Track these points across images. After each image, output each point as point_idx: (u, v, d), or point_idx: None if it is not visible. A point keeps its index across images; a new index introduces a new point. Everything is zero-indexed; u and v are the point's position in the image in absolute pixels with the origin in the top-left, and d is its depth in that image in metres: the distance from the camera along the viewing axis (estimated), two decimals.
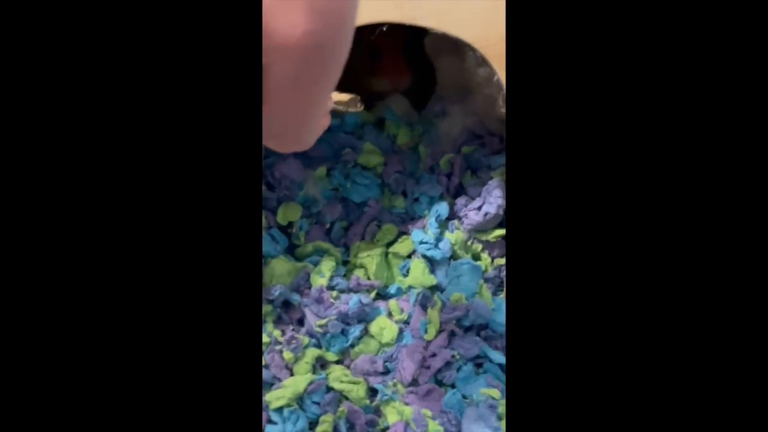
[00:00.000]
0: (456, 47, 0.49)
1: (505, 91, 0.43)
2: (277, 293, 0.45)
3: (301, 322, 0.47)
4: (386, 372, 0.44)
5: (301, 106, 0.27)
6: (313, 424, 0.42)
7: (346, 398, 0.43)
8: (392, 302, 0.47)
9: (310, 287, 0.47)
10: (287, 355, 0.43)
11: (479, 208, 0.48)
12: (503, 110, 0.44)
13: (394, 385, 0.44)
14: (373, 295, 0.47)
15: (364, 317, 0.46)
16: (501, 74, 0.42)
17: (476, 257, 0.49)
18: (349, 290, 0.47)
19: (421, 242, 0.48)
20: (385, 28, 0.53)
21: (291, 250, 0.50)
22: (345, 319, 0.45)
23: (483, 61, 0.43)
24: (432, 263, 0.48)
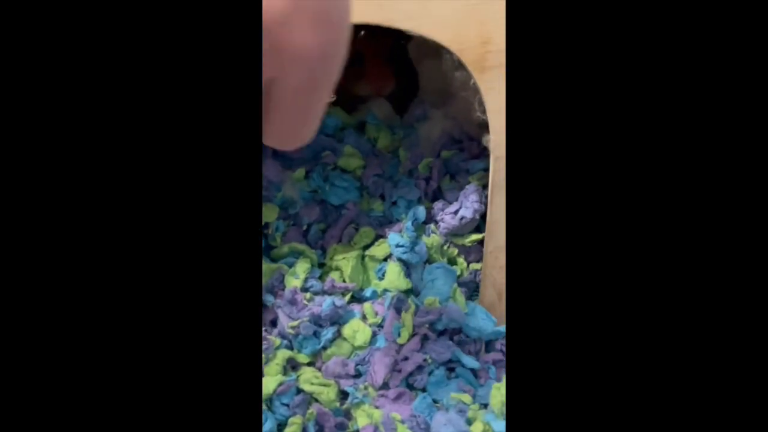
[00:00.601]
0: (437, 51, 0.49)
1: (481, 96, 0.42)
2: None
3: (274, 323, 0.47)
4: (358, 375, 0.44)
5: (311, 110, 0.29)
6: (281, 425, 0.42)
7: (316, 400, 0.43)
8: (367, 305, 0.47)
9: (284, 288, 0.47)
10: None
11: (456, 213, 0.48)
12: (478, 114, 0.44)
13: (365, 388, 0.43)
14: (348, 297, 0.47)
15: (337, 320, 0.45)
16: (477, 78, 0.42)
17: (452, 261, 0.48)
18: (324, 292, 0.47)
19: (398, 245, 0.48)
20: (362, 33, 0.54)
21: (267, 251, 0.50)
22: (318, 321, 0.45)
23: (459, 65, 0.43)
24: (408, 267, 0.48)
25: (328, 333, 0.45)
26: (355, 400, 0.42)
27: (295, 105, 0.28)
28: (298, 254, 0.49)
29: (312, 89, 0.28)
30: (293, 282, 0.47)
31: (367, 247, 0.50)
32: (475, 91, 0.43)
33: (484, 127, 0.45)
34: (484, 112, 0.43)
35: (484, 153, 0.50)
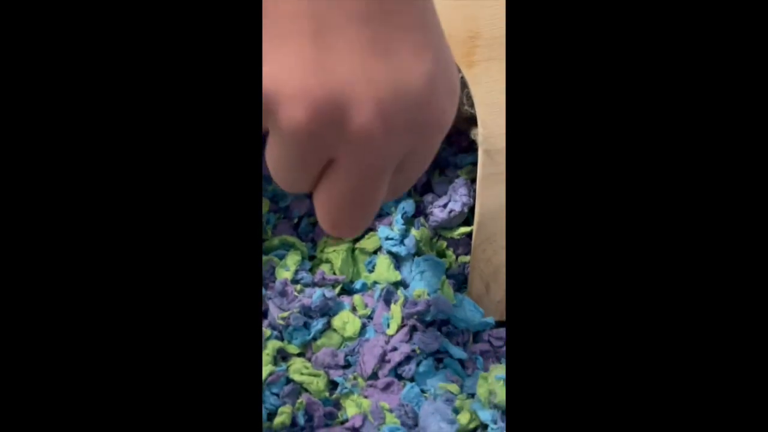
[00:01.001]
0: None
1: (468, 89, 0.43)
2: None
3: (265, 314, 0.47)
4: (347, 365, 0.45)
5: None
6: (271, 415, 0.42)
7: (306, 390, 0.43)
8: (356, 297, 0.47)
9: (275, 280, 0.48)
10: None
11: (445, 206, 0.48)
12: (467, 108, 0.44)
13: (355, 378, 0.44)
14: (338, 289, 0.48)
15: (327, 311, 0.46)
16: (465, 72, 0.42)
17: (441, 254, 0.49)
18: (314, 284, 0.48)
19: (387, 238, 0.48)
20: None
21: None
22: (308, 312, 0.45)
23: None
24: (397, 259, 0.48)
25: (318, 324, 0.45)
26: (345, 390, 0.43)
27: (420, 171, 0.28)
28: (288, 246, 0.49)
29: (434, 154, 0.27)
30: (284, 274, 0.47)
31: (357, 239, 0.50)
32: (464, 85, 0.44)
33: (472, 121, 0.46)
34: (472, 105, 0.44)
35: (472, 147, 0.50)
